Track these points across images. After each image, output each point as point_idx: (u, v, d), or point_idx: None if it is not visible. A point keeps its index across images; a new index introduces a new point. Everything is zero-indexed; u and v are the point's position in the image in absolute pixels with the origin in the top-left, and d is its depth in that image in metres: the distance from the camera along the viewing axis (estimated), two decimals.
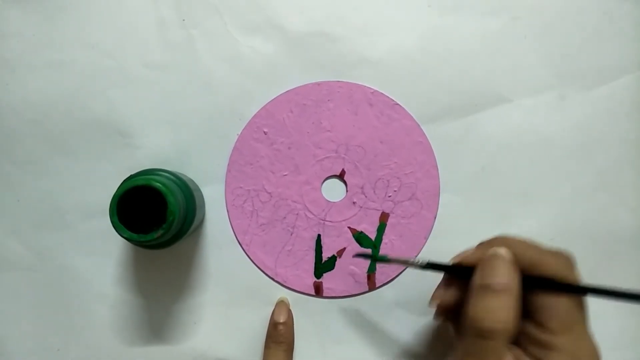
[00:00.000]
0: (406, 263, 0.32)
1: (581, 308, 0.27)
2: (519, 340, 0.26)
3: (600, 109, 0.38)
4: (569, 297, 0.26)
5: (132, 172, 0.33)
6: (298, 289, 0.37)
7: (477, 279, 0.27)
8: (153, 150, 0.37)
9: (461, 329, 0.27)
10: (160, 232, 0.29)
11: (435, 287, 0.31)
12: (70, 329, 0.37)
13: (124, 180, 0.31)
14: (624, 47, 0.38)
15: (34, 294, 0.38)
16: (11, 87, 0.38)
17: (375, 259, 0.36)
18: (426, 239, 0.37)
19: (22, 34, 0.38)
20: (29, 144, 0.38)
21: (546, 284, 0.26)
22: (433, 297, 0.31)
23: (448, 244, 0.34)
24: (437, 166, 0.37)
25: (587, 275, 0.37)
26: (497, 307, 0.25)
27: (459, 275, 0.29)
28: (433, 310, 0.31)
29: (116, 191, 0.29)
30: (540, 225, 0.37)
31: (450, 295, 0.30)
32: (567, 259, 0.27)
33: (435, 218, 0.37)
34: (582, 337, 0.26)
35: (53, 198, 0.38)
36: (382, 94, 0.37)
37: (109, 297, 0.37)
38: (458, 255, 0.30)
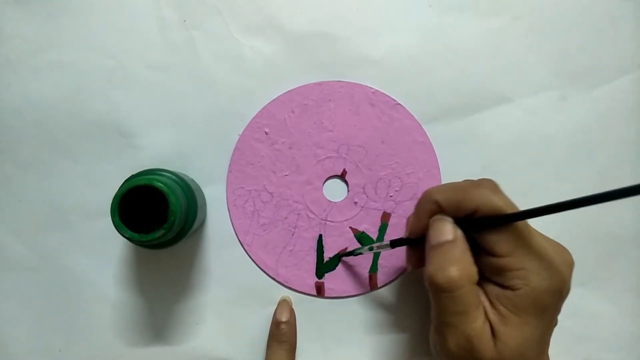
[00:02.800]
0: (378, 248, 0.34)
1: (520, 227, 0.27)
2: (483, 274, 0.28)
3: (601, 108, 0.38)
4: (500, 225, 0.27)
5: (134, 172, 0.33)
6: (299, 289, 0.37)
7: (427, 244, 0.29)
8: (154, 151, 0.38)
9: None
10: (161, 232, 0.29)
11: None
12: (72, 330, 0.37)
13: (126, 181, 0.31)
14: (625, 47, 0.38)
15: (36, 295, 0.38)
16: (13, 88, 0.38)
17: (348, 254, 0.37)
18: None
19: (24, 35, 0.38)
20: (31, 145, 0.38)
21: (477, 223, 0.28)
22: (407, 262, 0.33)
23: None
24: (438, 166, 0.37)
25: (587, 275, 0.38)
26: (446, 260, 0.27)
27: (417, 243, 0.31)
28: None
29: (118, 191, 0.29)
30: (540, 225, 0.37)
31: (415, 255, 0.32)
32: (487, 186, 0.28)
33: None
34: (529, 256, 0.26)
35: (55, 198, 0.38)
36: (383, 93, 0.38)
37: (111, 297, 0.37)
38: (407, 228, 0.33)
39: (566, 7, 0.38)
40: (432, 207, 0.29)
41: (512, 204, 0.28)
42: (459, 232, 0.28)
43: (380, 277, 0.37)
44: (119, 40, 0.38)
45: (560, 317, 0.37)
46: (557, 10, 0.38)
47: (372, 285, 0.37)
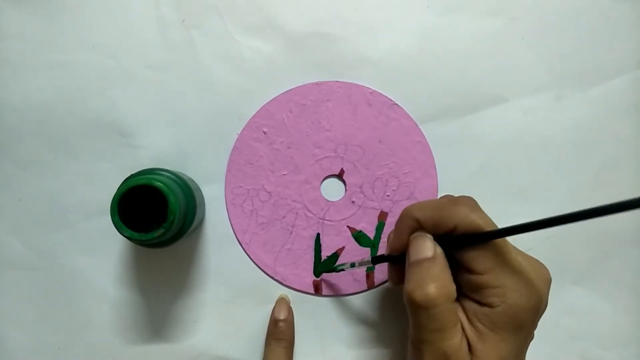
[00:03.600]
0: (359, 264, 0.34)
1: (498, 245, 0.27)
2: (461, 291, 0.28)
3: (597, 108, 0.38)
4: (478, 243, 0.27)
5: (133, 172, 0.33)
6: (297, 288, 0.38)
7: (407, 261, 0.29)
8: (153, 150, 0.38)
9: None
10: (160, 231, 0.29)
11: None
12: (71, 328, 0.38)
13: (125, 180, 0.31)
14: (621, 47, 0.38)
15: (35, 293, 0.38)
16: (12, 87, 0.38)
17: (329, 270, 0.37)
18: None
19: (23, 35, 0.38)
20: (30, 144, 0.38)
21: (456, 241, 0.28)
22: (388, 279, 0.33)
23: None
24: (435, 166, 0.38)
25: (582, 273, 0.38)
26: (425, 277, 0.27)
27: (398, 260, 0.31)
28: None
29: (117, 190, 0.29)
30: None
31: (396, 271, 0.32)
32: (466, 204, 0.28)
33: None
34: (508, 274, 0.27)
35: (54, 197, 0.38)
36: (380, 94, 0.38)
37: (110, 295, 0.38)
38: (388, 245, 0.33)
39: (562, 7, 0.38)
40: (412, 224, 0.29)
41: (490, 222, 0.28)
42: (439, 250, 0.28)
43: (378, 276, 0.37)
44: (118, 39, 0.38)
45: (556, 315, 0.37)
46: (553, 10, 0.38)
47: (370, 283, 0.37)
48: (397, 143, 0.38)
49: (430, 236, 0.28)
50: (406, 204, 0.37)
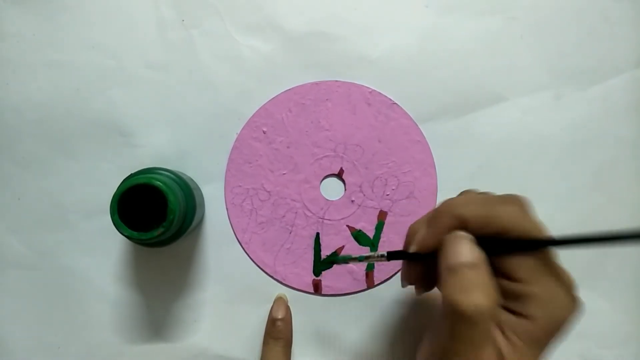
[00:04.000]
0: (371, 258, 0.31)
1: (547, 253, 0.25)
2: None
3: (596, 108, 0.38)
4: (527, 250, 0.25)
5: (133, 171, 0.33)
6: (297, 287, 0.38)
7: (444, 263, 0.25)
8: (153, 149, 0.38)
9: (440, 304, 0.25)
10: (160, 230, 0.29)
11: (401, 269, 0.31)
12: (71, 327, 0.38)
13: (125, 179, 0.31)
14: (620, 46, 0.38)
15: (35, 293, 0.38)
16: (12, 86, 0.38)
17: (336, 261, 0.36)
18: None
19: (23, 34, 0.38)
20: (30, 143, 0.38)
21: (502, 246, 0.25)
22: (403, 279, 0.31)
23: None
24: (434, 165, 0.38)
25: (583, 272, 0.38)
26: (472, 284, 0.24)
27: (421, 259, 0.28)
28: (411, 289, 0.31)
29: (117, 190, 0.29)
30: None
31: (416, 271, 0.29)
32: (518, 204, 0.26)
33: None
34: (554, 283, 0.24)
35: (54, 197, 0.38)
36: (380, 93, 0.38)
37: (110, 295, 0.38)
38: (416, 242, 0.28)
39: (561, 7, 0.38)
40: (453, 222, 0.26)
41: (541, 226, 0.25)
42: (482, 254, 0.25)
43: (377, 275, 0.37)
44: (117, 39, 0.38)
45: None
46: (552, 10, 0.38)
47: (369, 283, 0.37)
48: (396, 142, 0.38)
49: (472, 237, 0.25)
50: (405, 203, 0.37)
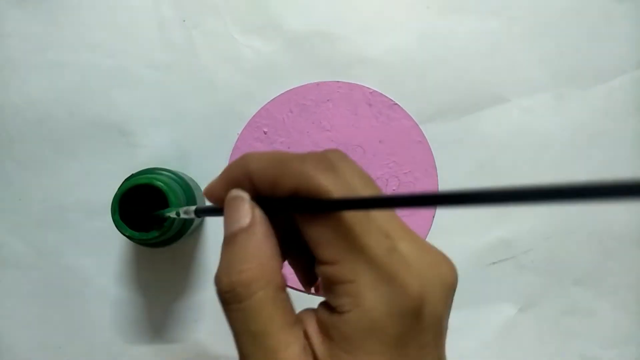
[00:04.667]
0: (185, 213, 0.26)
1: (351, 223, 0.18)
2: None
3: (597, 108, 0.38)
4: (321, 216, 0.18)
5: (134, 171, 0.33)
6: (298, 287, 0.38)
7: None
8: (154, 150, 0.38)
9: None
10: (161, 230, 0.29)
11: None
12: (72, 327, 0.38)
13: (126, 179, 0.31)
14: (621, 47, 0.38)
15: (36, 292, 0.38)
16: (13, 86, 0.38)
17: (158, 213, 0.30)
18: (425, 237, 0.37)
19: (24, 35, 0.38)
20: (31, 143, 0.38)
21: (278, 205, 0.20)
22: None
23: (446, 242, 0.34)
24: (435, 165, 0.38)
25: (583, 272, 0.38)
26: (237, 255, 0.19)
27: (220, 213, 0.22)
28: None
29: (118, 190, 0.29)
30: (537, 223, 0.38)
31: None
32: (318, 159, 0.19)
33: (433, 217, 0.38)
34: (364, 259, 0.18)
35: (55, 197, 0.38)
36: (381, 94, 0.38)
37: (110, 295, 0.38)
38: (205, 188, 0.23)
39: (562, 7, 0.38)
40: (241, 174, 0.20)
41: (352, 189, 0.18)
42: (258, 214, 0.19)
43: None
44: (118, 39, 0.38)
45: (557, 314, 0.37)
46: (553, 10, 0.38)
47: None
48: (397, 143, 0.38)
49: (247, 197, 0.20)
50: None
